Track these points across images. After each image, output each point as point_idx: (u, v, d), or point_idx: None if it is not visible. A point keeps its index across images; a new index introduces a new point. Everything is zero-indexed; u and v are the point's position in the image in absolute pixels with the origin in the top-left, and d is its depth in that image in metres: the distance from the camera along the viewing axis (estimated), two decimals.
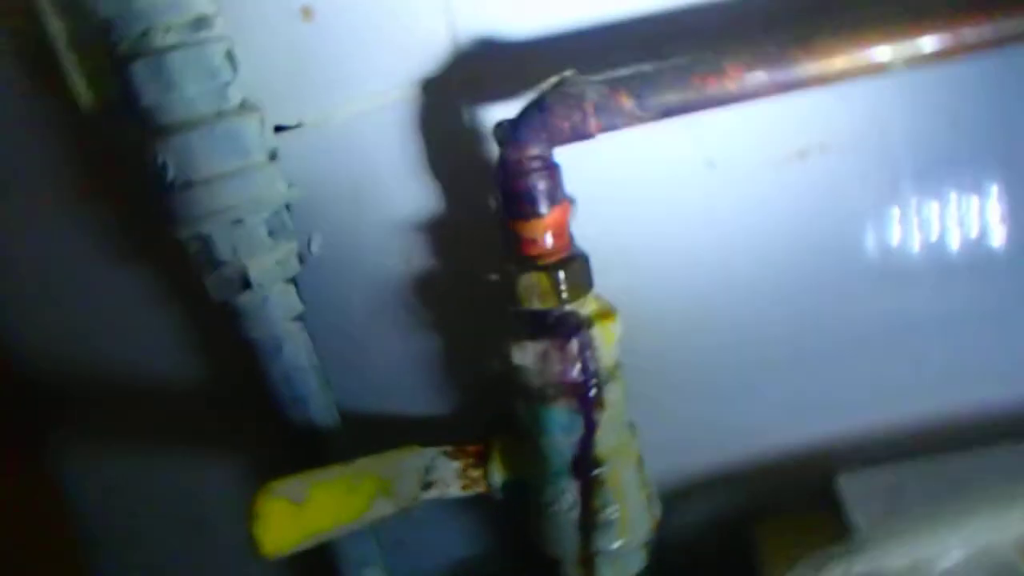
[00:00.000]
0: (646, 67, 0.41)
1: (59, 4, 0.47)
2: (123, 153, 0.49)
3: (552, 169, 0.43)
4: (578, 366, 0.44)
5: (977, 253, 0.49)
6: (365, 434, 0.55)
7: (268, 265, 0.49)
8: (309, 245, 0.53)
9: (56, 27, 0.48)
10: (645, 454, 0.49)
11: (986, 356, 0.51)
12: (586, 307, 0.45)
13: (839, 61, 0.40)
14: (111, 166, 0.51)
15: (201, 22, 0.46)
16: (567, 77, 0.41)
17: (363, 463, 0.47)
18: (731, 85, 0.40)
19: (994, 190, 0.48)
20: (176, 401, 0.57)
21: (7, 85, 0.50)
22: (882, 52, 0.39)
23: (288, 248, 0.50)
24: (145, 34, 0.45)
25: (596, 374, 0.44)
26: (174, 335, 0.56)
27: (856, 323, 0.51)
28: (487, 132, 0.48)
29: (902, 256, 0.49)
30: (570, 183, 0.45)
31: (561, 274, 0.43)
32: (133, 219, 0.53)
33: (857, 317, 0.51)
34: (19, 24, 0.49)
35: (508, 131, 0.42)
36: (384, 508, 0.46)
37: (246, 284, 0.48)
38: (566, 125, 0.41)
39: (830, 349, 0.51)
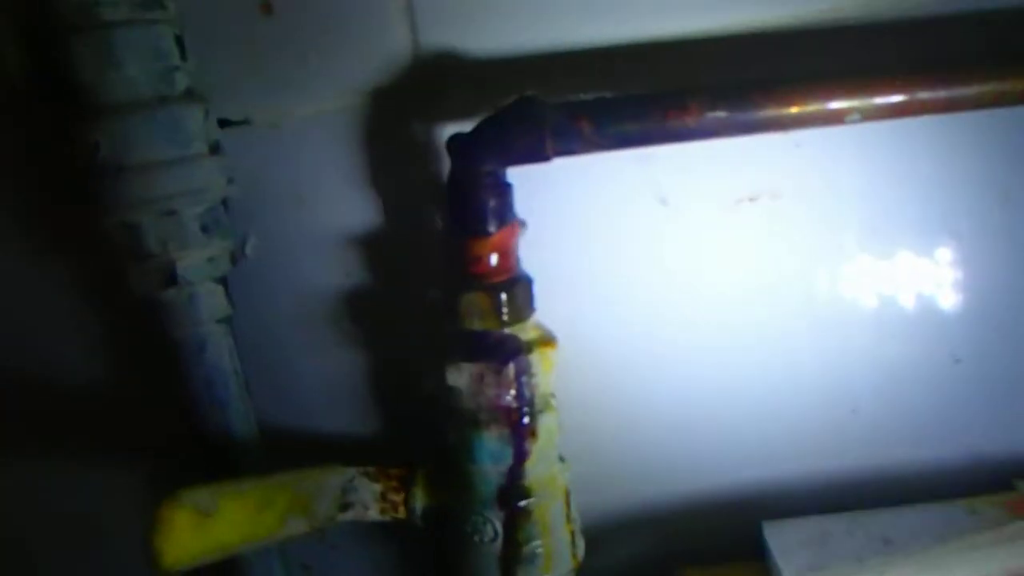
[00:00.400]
0: (608, 95, 0.41)
1: None
2: (43, 133, 0.46)
3: (503, 188, 0.42)
4: (513, 391, 0.43)
5: (919, 308, 0.50)
6: (284, 450, 0.53)
7: (198, 262, 0.47)
8: (244, 246, 0.51)
9: None
10: (572, 489, 0.47)
11: (920, 413, 0.52)
12: (526, 332, 0.44)
13: (797, 107, 0.40)
14: (31, 146, 0.49)
15: (152, 3, 0.44)
16: (528, 97, 0.41)
17: (280, 478, 0.45)
18: (691, 121, 0.40)
19: (937, 247, 0.49)
20: (77, 401, 0.54)
21: None
22: (840, 102, 0.40)
23: (221, 246, 0.48)
24: (91, 5, 0.42)
25: (531, 402, 0.43)
26: (79, 330, 0.53)
27: (795, 368, 0.51)
28: (440, 148, 0.47)
29: (845, 305, 0.50)
30: (519, 206, 0.44)
31: (503, 296, 0.42)
32: (46, 207, 0.50)
33: (797, 362, 0.51)
34: None
35: (462, 145, 0.42)
36: (297, 527, 0.44)
37: (172, 280, 0.46)
38: (522, 144, 0.40)
39: (767, 393, 0.51)
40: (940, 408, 0.51)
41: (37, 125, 0.48)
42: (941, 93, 0.40)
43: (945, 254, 0.49)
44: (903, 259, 0.49)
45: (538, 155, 0.41)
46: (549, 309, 0.47)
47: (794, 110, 0.40)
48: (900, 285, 0.50)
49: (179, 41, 0.45)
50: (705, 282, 0.50)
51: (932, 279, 0.50)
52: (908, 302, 0.50)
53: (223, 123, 0.49)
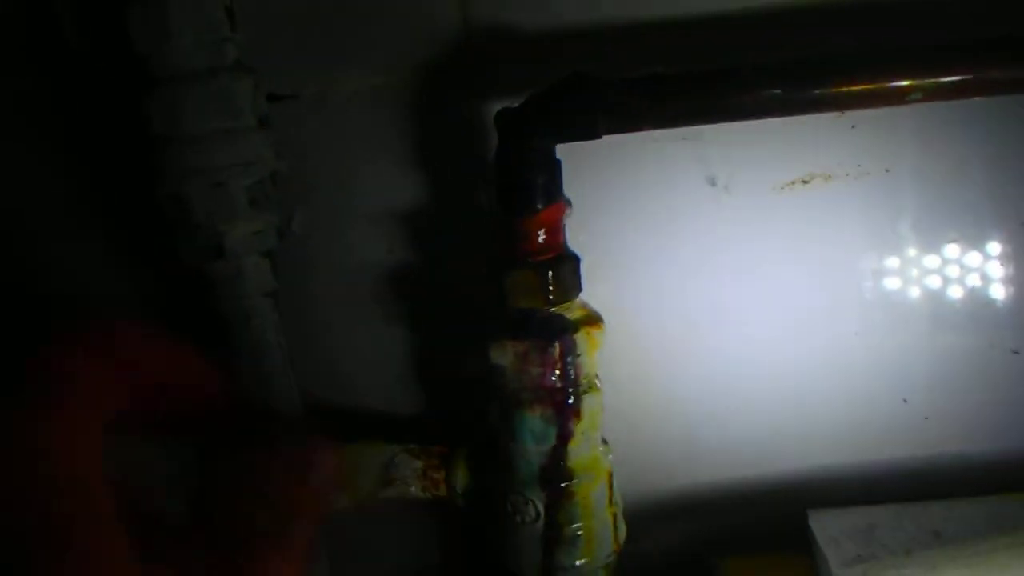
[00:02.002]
0: (662, 71, 0.40)
1: None
2: (103, 100, 0.47)
3: (552, 165, 0.42)
4: (558, 371, 0.42)
5: (975, 297, 0.49)
6: (327, 425, 0.53)
7: (245, 235, 0.47)
8: (290, 222, 0.51)
9: None
10: (615, 472, 0.47)
11: (974, 405, 0.50)
12: (572, 311, 0.43)
13: (858, 85, 0.39)
14: (89, 111, 0.49)
15: None
16: (581, 72, 0.40)
17: None
18: (748, 98, 0.39)
19: (995, 238, 0.48)
20: None
21: None
22: (902, 80, 0.38)
23: (268, 220, 0.48)
24: None
25: (575, 382, 0.43)
26: (129, 301, 0.53)
27: (845, 356, 0.50)
28: (489, 125, 0.47)
29: (898, 292, 0.49)
30: (567, 184, 0.43)
31: (550, 274, 0.42)
32: (99, 177, 0.51)
33: (846, 349, 0.50)
34: None
35: (510, 120, 0.41)
36: (339, 500, 0.44)
37: (220, 252, 0.46)
38: (573, 120, 0.40)
39: (815, 380, 0.50)
40: (995, 400, 0.50)
41: (90, 92, 0.48)
42: (1011, 72, 0.39)
43: (1004, 242, 0.48)
44: (960, 246, 0.48)
45: (589, 132, 0.40)
46: (593, 290, 0.46)
47: (854, 88, 0.39)
48: (956, 273, 0.48)
49: (230, 12, 0.45)
50: (754, 265, 0.49)
51: (990, 267, 0.48)
52: (964, 291, 0.48)
53: (272, 97, 0.49)
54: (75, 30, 0.48)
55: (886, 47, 0.39)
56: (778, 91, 0.39)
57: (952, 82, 0.39)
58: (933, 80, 0.39)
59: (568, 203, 0.44)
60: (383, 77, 0.48)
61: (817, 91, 0.39)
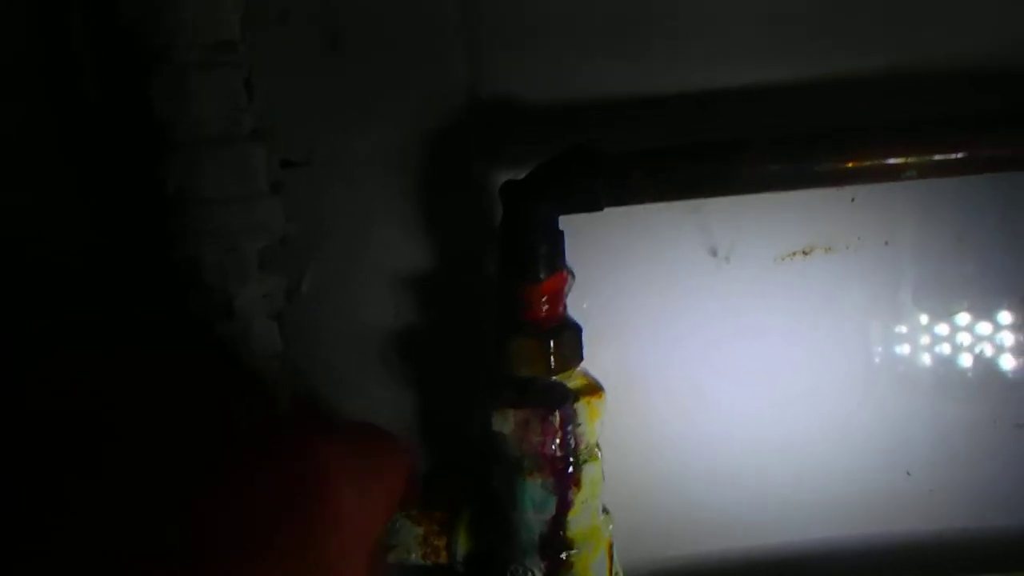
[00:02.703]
0: (662, 145, 0.41)
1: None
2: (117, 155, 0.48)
3: (555, 235, 0.42)
4: (558, 440, 0.42)
5: (978, 370, 0.48)
6: None
7: (255, 297, 0.48)
8: (300, 283, 0.52)
9: (77, 22, 0.47)
10: (617, 541, 0.46)
11: (980, 479, 0.50)
12: (573, 380, 0.44)
13: (854, 162, 0.40)
14: (102, 164, 0.50)
15: (225, 47, 0.46)
16: (582, 145, 0.41)
17: None
18: (747, 172, 0.39)
19: (997, 311, 0.48)
20: None
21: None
22: (898, 158, 0.39)
23: (277, 283, 0.49)
24: (169, 47, 0.44)
25: (576, 451, 0.43)
26: None
27: (847, 428, 0.49)
28: (495, 192, 0.48)
29: (900, 363, 0.49)
30: (569, 253, 0.44)
31: (552, 343, 0.42)
32: (116, 228, 0.52)
33: (849, 420, 0.49)
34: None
35: (515, 191, 0.42)
36: None
37: (229, 313, 0.47)
38: (575, 193, 0.41)
39: (818, 452, 0.50)
40: (1001, 475, 0.49)
41: (104, 146, 0.49)
42: (1005, 151, 0.39)
43: (1007, 315, 0.48)
44: (962, 318, 0.48)
45: (591, 204, 0.41)
46: (595, 357, 0.47)
47: (850, 166, 0.40)
48: (959, 345, 0.48)
49: (248, 84, 0.47)
50: (756, 335, 0.49)
51: (992, 340, 0.48)
52: (967, 363, 0.48)
53: (285, 163, 0.50)
54: (95, 83, 0.49)
55: (884, 125, 0.40)
56: (776, 167, 0.40)
57: (947, 160, 0.39)
58: (927, 158, 0.39)
59: (571, 273, 0.45)
60: (392, 144, 0.49)
61: (813, 168, 0.39)
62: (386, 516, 0.30)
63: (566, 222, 0.43)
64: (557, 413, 0.42)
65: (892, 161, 0.40)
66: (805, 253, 0.48)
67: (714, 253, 0.49)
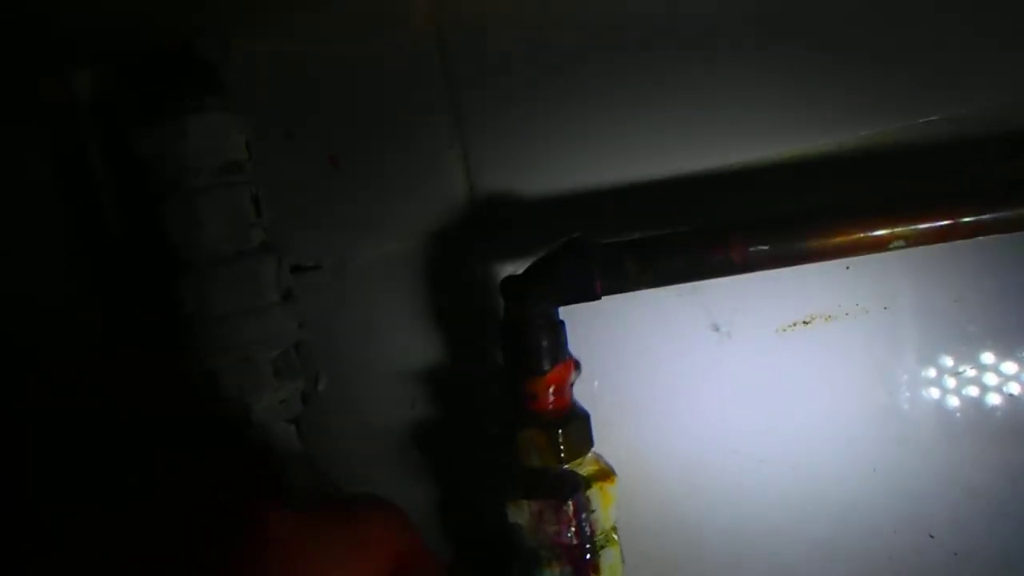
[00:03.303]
0: (653, 234, 0.42)
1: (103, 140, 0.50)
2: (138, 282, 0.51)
3: (556, 327, 0.44)
4: (573, 528, 0.42)
5: (993, 427, 0.48)
6: None
7: (272, 404, 0.49)
8: (316, 385, 0.53)
9: (96, 155, 0.50)
10: None
11: (1001, 542, 0.49)
12: (585, 467, 0.44)
13: (840, 237, 0.40)
14: (125, 291, 0.52)
15: (232, 167, 0.48)
16: (575, 239, 0.43)
17: None
18: (735, 256, 0.40)
19: (1003, 371, 0.48)
20: None
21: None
22: (883, 230, 0.40)
23: (293, 387, 0.50)
24: (178, 175, 0.47)
25: (591, 538, 0.43)
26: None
27: (865, 493, 0.49)
28: (496, 285, 0.49)
29: (912, 426, 0.48)
30: (575, 339, 0.45)
31: (560, 433, 0.43)
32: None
33: (867, 485, 0.49)
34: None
35: (515, 287, 0.43)
36: None
37: (247, 422, 0.48)
38: (572, 285, 0.42)
39: (839, 517, 0.49)
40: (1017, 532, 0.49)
41: (126, 275, 0.52)
42: (986, 216, 0.40)
43: (1014, 376, 0.47)
44: (968, 376, 0.48)
45: (588, 294, 0.42)
46: (608, 437, 0.47)
47: (837, 240, 0.41)
48: (969, 405, 0.48)
49: (255, 200, 0.49)
50: (764, 406, 0.49)
51: (1002, 401, 0.48)
52: (980, 421, 0.48)
53: (295, 268, 0.52)
54: (116, 218, 0.52)
55: (865, 199, 0.41)
56: (764, 248, 0.41)
57: (932, 228, 0.40)
58: (912, 227, 0.40)
59: (576, 363, 0.46)
60: (396, 245, 0.51)
61: (801, 246, 0.40)
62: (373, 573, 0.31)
63: (570, 309, 0.44)
64: (570, 503, 0.42)
65: (878, 233, 0.41)
66: (806, 323, 0.49)
67: (716, 329, 0.49)
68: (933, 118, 0.45)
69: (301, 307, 0.52)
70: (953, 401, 0.48)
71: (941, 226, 0.40)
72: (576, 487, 0.43)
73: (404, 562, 0.33)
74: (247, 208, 0.48)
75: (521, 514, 0.43)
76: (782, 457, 0.49)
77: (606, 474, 0.44)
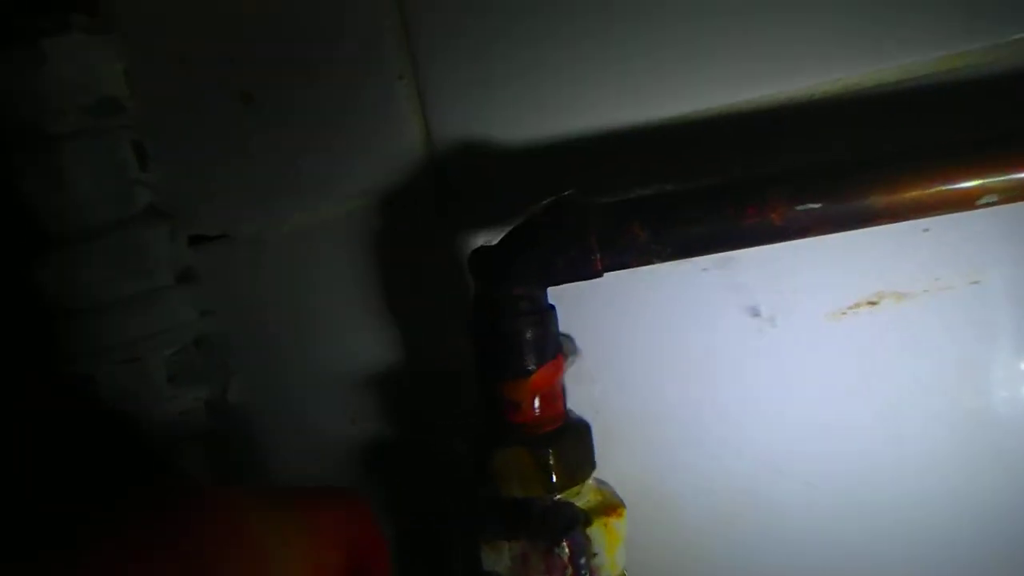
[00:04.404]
0: (667, 189, 0.42)
1: None
2: None
3: (543, 314, 0.44)
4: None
5: None
6: None
7: (168, 419, 0.49)
8: (225, 392, 0.54)
9: None
10: None
11: None
12: (584, 497, 0.45)
13: (915, 191, 0.41)
14: None
15: (107, 105, 0.48)
16: (565, 197, 0.42)
17: None
18: (776, 217, 0.40)
19: None
20: None
21: None
22: (969, 183, 0.40)
23: (194, 397, 0.50)
24: (36, 117, 0.46)
25: None
26: None
27: (946, 512, 0.50)
28: (463, 262, 0.49)
29: (1003, 436, 0.49)
30: (568, 331, 0.45)
31: (551, 452, 0.43)
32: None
33: (939, 518, 0.50)
34: None
35: (488, 262, 0.43)
36: None
37: (135, 440, 0.48)
38: (562, 259, 0.42)
39: (901, 564, 0.50)
40: None
41: None
42: None
43: None
44: None
45: (585, 270, 0.42)
46: (614, 458, 0.48)
47: (910, 195, 0.41)
48: None
49: (139, 149, 0.49)
50: (815, 417, 0.50)
51: None
52: None
53: (196, 239, 0.52)
54: None
55: (946, 141, 0.41)
56: (815, 205, 0.41)
57: None
58: (1007, 179, 0.40)
59: (572, 352, 0.46)
60: (333, 209, 0.51)
61: (862, 203, 0.41)
62: (325, 559, 0.36)
63: (562, 291, 0.44)
64: (564, 544, 0.43)
65: (964, 185, 0.41)
66: (872, 303, 0.49)
67: (755, 313, 0.50)
68: None
69: (204, 291, 0.52)
70: None
71: None
72: (572, 524, 0.43)
73: (361, 551, 0.38)
74: (128, 160, 0.48)
75: (500, 559, 0.43)
76: (838, 480, 0.50)
77: (612, 506, 0.45)
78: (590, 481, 0.45)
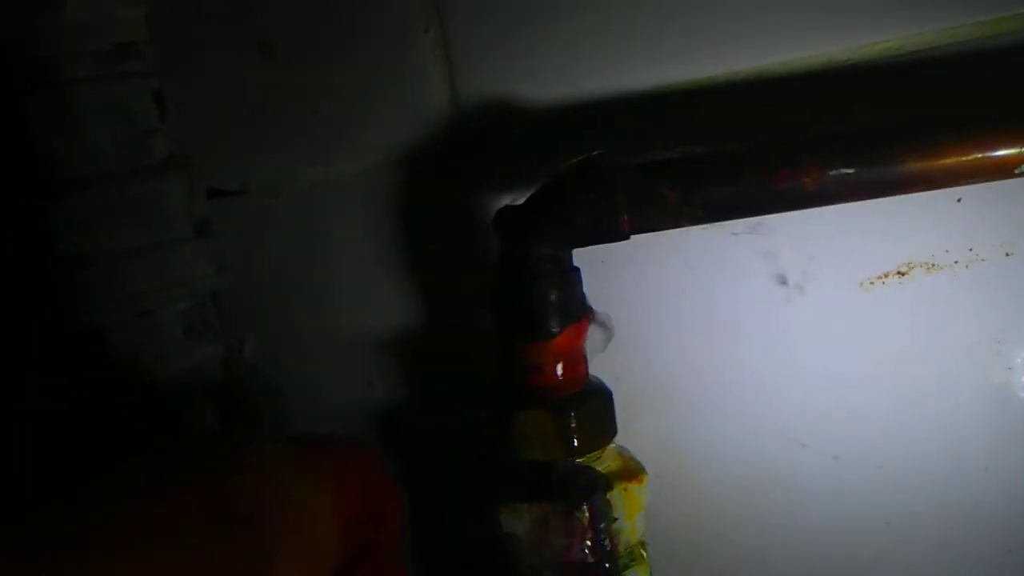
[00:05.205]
0: (698, 151, 0.43)
1: None
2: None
3: (568, 275, 0.45)
4: (588, 542, 0.44)
5: None
6: None
7: (181, 374, 0.50)
8: (241, 348, 0.55)
9: None
10: None
11: None
12: (605, 462, 0.46)
13: (950, 157, 0.42)
14: None
15: (125, 51, 0.49)
16: (594, 157, 0.43)
17: None
18: (809, 182, 0.41)
19: None
20: None
21: None
22: (1006, 150, 0.41)
23: (209, 352, 0.52)
24: (51, 61, 0.47)
25: (612, 555, 0.45)
26: None
27: (975, 498, 0.51)
28: (487, 222, 0.50)
29: None
30: (591, 295, 0.47)
31: (572, 415, 0.44)
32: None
33: (976, 490, 0.51)
34: None
35: (513, 223, 0.44)
36: None
37: (147, 396, 0.50)
38: (589, 220, 0.43)
39: (928, 541, 0.51)
40: None
41: None
42: None
43: None
44: None
45: (612, 232, 0.43)
46: (635, 425, 0.49)
47: (946, 162, 0.42)
48: None
49: (157, 98, 0.50)
50: (843, 388, 0.51)
51: None
52: None
53: (213, 193, 0.53)
54: None
55: (984, 106, 0.42)
56: (849, 170, 0.42)
57: None
58: None
59: (596, 319, 0.47)
60: (352, 165, 0.52)
61: (895, 170, 0.41)
62: (346, 506, 0.38)
63: (587, 253, 0.46)
64: (585, 507, 0.44)
65: (1002, 153, 0.42)
66: (901, 273, 0.50)
67: (783, 281, 0.51)
68: None
69: (221, 245, 0.53)
70: None
71: None
72: (592, 487, 0.44)
73: (376, 499, 0.40)
74: (146, 108, 0.49)
75: (519, 522, 0.45)
76: (865, 453, 0.51)
77: (633, 472, 0.46)
78: (611, 446, 0.47)
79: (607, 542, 0.45)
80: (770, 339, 0.51)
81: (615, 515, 0.45)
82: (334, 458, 0.39)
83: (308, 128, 0.52)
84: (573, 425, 0.44)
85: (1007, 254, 0.49)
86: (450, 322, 0.53)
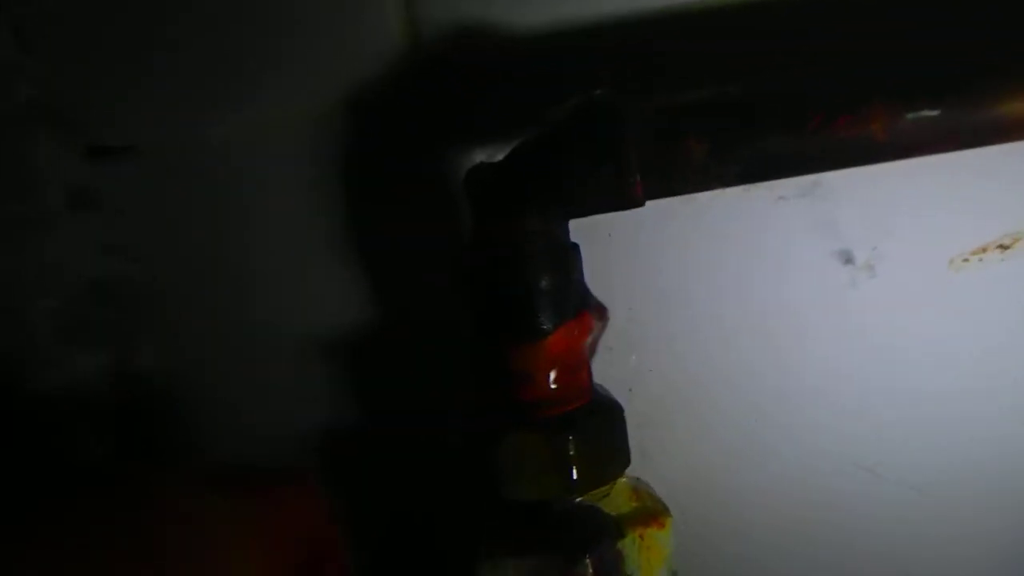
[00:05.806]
0: (730, 91, 0.42)
1: None
2: None
3: (564, 255, 0.44)
4: None
5: None
6: None
7: (51, 390, 0.50)
8: (134, 357, 0.54)
9: None
10: None
11: None
12: (615, 500, 0.46)
13: None
14: None
15: None
16: (596, 98, 0.43)
17: None
18: (878, 130, 0.41)
19: None
20: None
21: None
22: None
23: (91, 361, 0.51)
24: None
25: None
26: None
27: None
28: (458, 184, 0.50)
29: None
30: (593, 278, 0.46)
31: (571, 439, 0.44)
32: None
33: None
34: None
35: (491, 186, 0.44)
36: None
37: (8, 418, 0.49)
38: (591, 182, 0.42)
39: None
40: None
41: None
42: None
43: None
44: None
45: (620, 198, 0.42)
46: (653, 449, 0.50)
47: None
48: None
49: (17, 31, 0.49)
50: (924, 389, 0.51)
51: None
52: None
53: (94, 152, 0.52)
54: None
55: None
56: (932, 112, 0.41)
57: None
58: None
59: (599, 314, 0.46)
60: (282, 113, 0.51)
61: (996, 109, 0.41)
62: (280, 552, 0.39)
63: (585, 227, 0.45)
64: (587, 561, 0.44)
65: None
66: (1003, 247, 0.50)
67: (848, 259, 0.50)
68: None
69: (105, 221, 0.52)
70: None
71: None
72: (598, 534, 0.44)
73: (317, 542, 0.41)
74: (4, 41, 0.49)
75: None
76: (944, 482, 0.51)
77: (652, 514, 0.46)
78: (623, 480, 0.47)
79: None
80: (830, 335, 0.51)
81: (628, 570, 0.45)
82: (269, 500, 0.40)
83: (220, 66, 0.51)
84: (572, 452, 0.44)
85: None
86: (413, 318, 0.53)
